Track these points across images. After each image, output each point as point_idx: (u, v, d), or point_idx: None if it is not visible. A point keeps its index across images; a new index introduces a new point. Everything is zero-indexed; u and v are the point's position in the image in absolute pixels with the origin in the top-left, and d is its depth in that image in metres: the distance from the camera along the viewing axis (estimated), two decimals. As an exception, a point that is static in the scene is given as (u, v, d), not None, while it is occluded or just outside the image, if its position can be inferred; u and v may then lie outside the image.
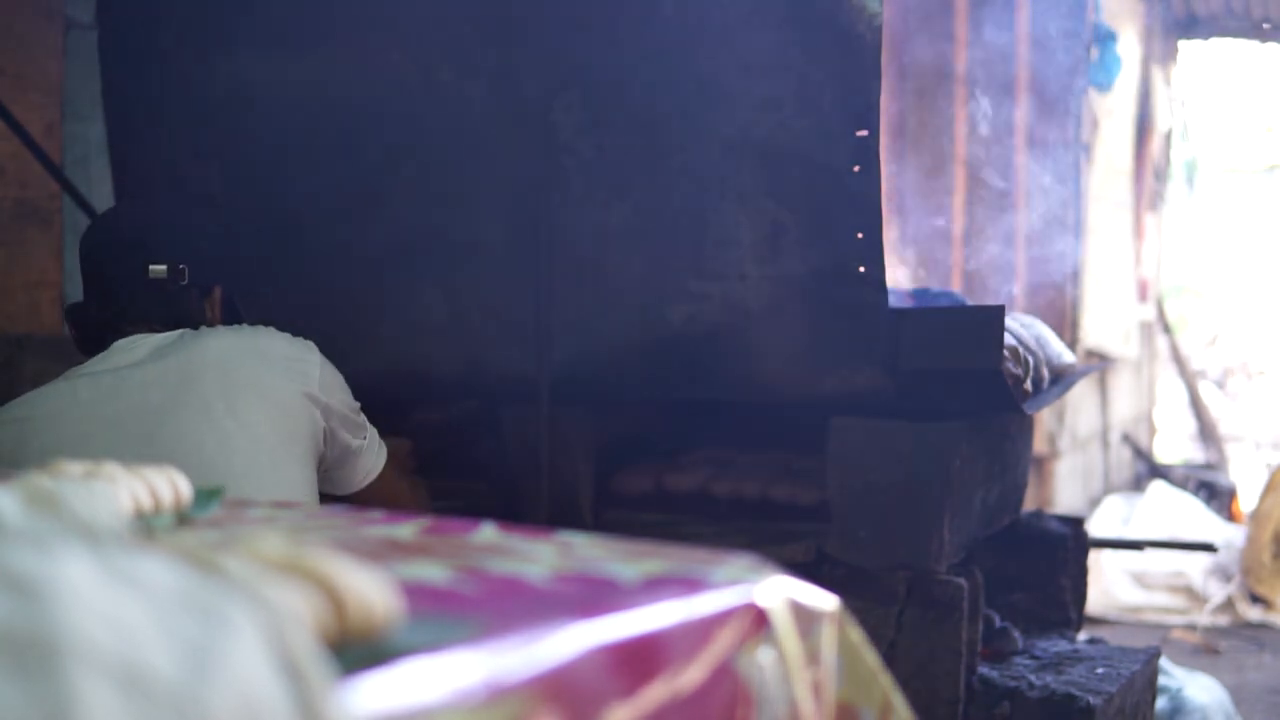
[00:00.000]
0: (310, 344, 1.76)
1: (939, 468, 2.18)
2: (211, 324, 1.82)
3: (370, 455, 1.81)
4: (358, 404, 1.80)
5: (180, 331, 1.73)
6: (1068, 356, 2.64)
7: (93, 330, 1.77)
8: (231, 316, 1.85)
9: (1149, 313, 7.89)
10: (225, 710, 0.51)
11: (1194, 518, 5.99)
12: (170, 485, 0.96)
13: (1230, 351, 11.30)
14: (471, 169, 2.36)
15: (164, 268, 1.76)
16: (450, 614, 0.72)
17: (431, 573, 0.83)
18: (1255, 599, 5.29)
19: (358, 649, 0.62)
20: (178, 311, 1.77)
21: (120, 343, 1.72)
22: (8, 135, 2.64)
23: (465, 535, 0.98)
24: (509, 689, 0.63)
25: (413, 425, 2.50)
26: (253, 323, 1.78)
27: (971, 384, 2.18)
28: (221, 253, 1.86)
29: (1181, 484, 6.87)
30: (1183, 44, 8.34)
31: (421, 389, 2.53)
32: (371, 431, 1.83)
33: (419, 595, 0.75)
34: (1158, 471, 7.25)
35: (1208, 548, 3.59)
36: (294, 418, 1.67)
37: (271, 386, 1.66)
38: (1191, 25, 8.17)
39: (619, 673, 0.71)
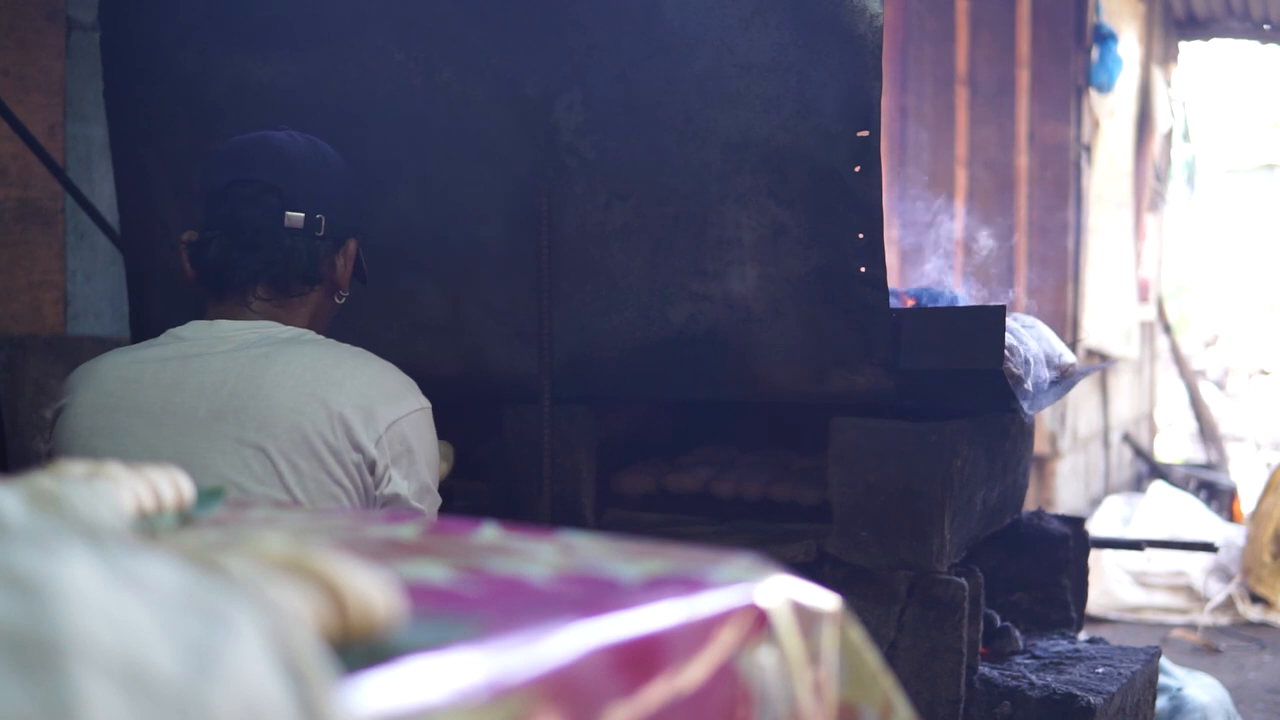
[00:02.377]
0: (411, 398, 1.60)
1: (940, 468, 2.18)
2: (341, 279, 1.69)
3: None
4: (431, 485, 1.63)
5: (271, 330, 1.60)
6: (1068, 356, 2.64)
7: (213, 271, 1.63)
8: (360, 273, 1.73)
9: (1149, 313, 7.89)
10: (227, 710, 0.51)
11: (1194, 517, 5.99)
12: (173, 485, 0.96)
13: (1230, 351, 11.29)
14: (472, 168, 2.36)
15: (301, 216, 1.62)
16: (452, 614, 0.72)
17: (433, 572, 0.83)
18: (1255, 598, 5.29)
19: (359, 648, 0.62)
20: (305, 264, 1.64)
21: (224, 326, 1.60)
22: (10, 136, 2.64)
23: (467, 535, 0.98)
24: (510, 688, 0.64)
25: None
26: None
27: (972, 384, 2.18)
28: (359, 203, 1.72)
29: (1182, 484, 6.87)
30: (1183, 44, 8.34)
31: (422, 388, 2.53)
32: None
33: (420, 595, 0.75)
34: (1158, 471, 7.25)
35: (1208, 547, 3.59)
36: (336, 471, 1.53)
37: (317, 434, 1.52)
38: (1192, 26, 8.18)
39: (620, 672, 0.71)
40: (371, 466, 1.55)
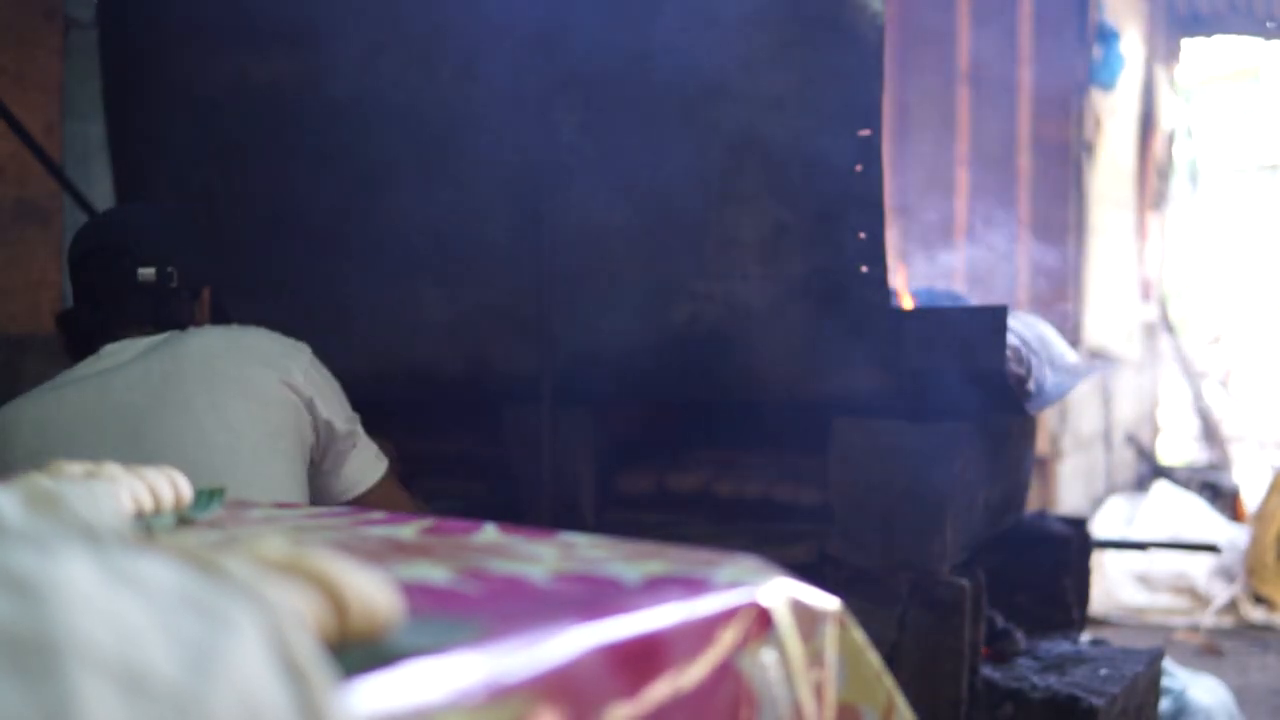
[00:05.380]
0: (301, 344, 1.75)
1: (941, 468, 2.18)
2: (200, 326, 1.81)
3: (358, 465, 1.76)
4: (352, 412, 1.77)
5: (168, 333, 1.73)
6: (1070, 357, 2.63)
7: (83, 336, 1.77)
8: (220, 318, 1.85)
9: (1152, 312, 7.88)
10: (226, 711, 0.51)
11: (1197, 518, 5.98)
12: (170, 486, 0.96)
13: (1234, 351, 11.28)
14: (472, 168, 2.36)
15: (152, 270, 1.75)
16: (452, 615, 0.72)
17: (433, 573, 0.83)
18: (1259, 600, 5.28)
19: (359, 650, 0.62)
20: (167, 314, 1.77)
21: (110, 347, 1.72)
22: (7, 134, 2.64)
23: (467, 536, 0.98)
24: (510, 689, 0.63)
25: (414, 425, 2.50)
26: (242, 323, 1.77)
27: (974, 384, 2.18)
28: (210, 255, 1.86)
29: (1185, 484, 6.85)
30: (1186, 42, 8.33)
31: (423, 388, 2.53)
32: (363, 441, 1.78)
33: (420, 596, 0.74)
34: (1161, 472, 7.23)
35: (1211, 548, 3.59)
36: (277, 413, 1.65)
37: (253, 382, 1.65)
38: (1194, 23, 8.16)
39: (621, 673, 0.71)
40: (310, 405, 1.69)
